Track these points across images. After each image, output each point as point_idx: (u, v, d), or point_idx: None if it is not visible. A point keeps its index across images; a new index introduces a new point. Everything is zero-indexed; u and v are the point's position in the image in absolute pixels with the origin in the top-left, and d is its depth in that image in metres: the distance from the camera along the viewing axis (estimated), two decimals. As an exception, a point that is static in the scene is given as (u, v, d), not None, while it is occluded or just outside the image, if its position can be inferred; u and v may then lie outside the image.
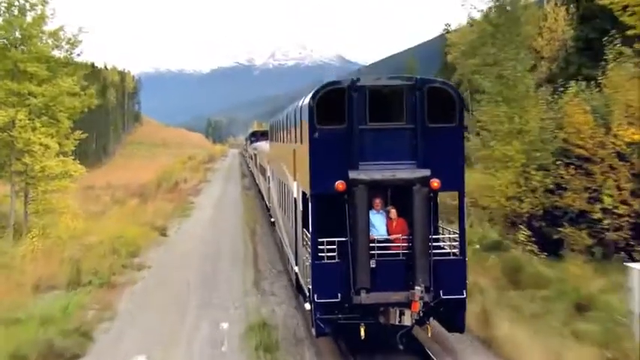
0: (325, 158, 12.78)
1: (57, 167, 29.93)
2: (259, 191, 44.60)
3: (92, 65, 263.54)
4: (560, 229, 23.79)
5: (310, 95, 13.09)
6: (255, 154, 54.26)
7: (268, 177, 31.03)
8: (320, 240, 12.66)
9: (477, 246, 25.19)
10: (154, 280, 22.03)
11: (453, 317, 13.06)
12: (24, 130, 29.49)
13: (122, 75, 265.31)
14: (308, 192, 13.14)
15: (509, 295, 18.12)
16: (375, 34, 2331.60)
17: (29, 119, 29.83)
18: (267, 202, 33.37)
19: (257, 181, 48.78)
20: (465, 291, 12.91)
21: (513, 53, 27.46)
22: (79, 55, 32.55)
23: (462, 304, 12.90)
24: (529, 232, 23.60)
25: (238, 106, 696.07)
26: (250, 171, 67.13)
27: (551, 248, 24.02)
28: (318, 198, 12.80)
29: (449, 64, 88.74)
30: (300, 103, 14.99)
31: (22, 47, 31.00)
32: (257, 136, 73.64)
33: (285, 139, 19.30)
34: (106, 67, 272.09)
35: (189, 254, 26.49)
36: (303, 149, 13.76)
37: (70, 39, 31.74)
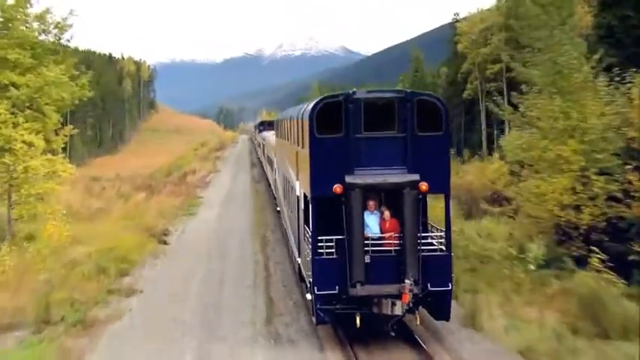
0: (324, 164, 13.07)
1: (42, 167, 24.63)
2: (267, 180, 41.42)
3: (109, 56, 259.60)
4: (635, 247, 18.37)
5: (311, 107, 13.42)
6: (263, 144, 52.48)
7: (275, 169, 30.36)
8: (319, 238, 12.99)
9: (532, 266, 19.81)
10: (142, 314, 16.71)
11: (440, 307, 13.40)
12: (5, 125, 24.16)
13: (138, 65, 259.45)
14: (308, 194, 13.43)
15: (604, 351, 12.80)
16: (377, 25, 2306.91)
17: (11, 113, 24.54)
18: (274, 192, 32.91)
19: (265, 170, 46.89)
20: (450, 283, 13.20)
21: (567, 37, 21.99)
22: (68, 40, 27.11)
23: (447, 295, 13.24)
24: (604, 255, 18.08)
25: (248, 94, 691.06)
26: (259, 159, 63.81)
27: (619, 268, 18.72)
28: (318, 200, 13.14)
29: (458, 53, 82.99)
30: (302, 111, 15.24)
31: (5, 32, 25.68)
32: (265, 125, 72.41)
33: (289, 139, 19.14)
34: (123, 57, 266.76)
35: (190, 272, 21.08)
36: (305, 154, 14.06)
37: (58, 23, 26.35)
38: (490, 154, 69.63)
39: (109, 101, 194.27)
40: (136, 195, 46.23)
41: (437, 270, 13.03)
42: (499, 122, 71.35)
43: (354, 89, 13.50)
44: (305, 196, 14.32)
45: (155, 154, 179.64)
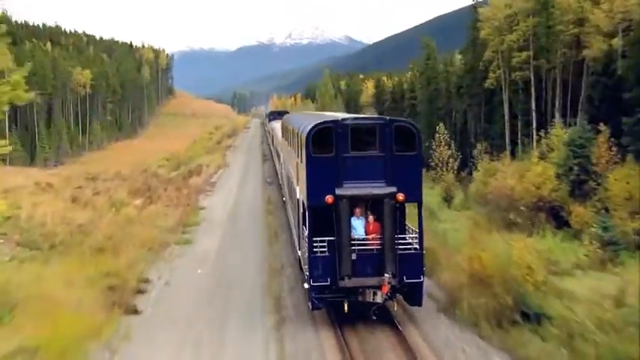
0: (318, 178, 13.98)
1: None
2: (279, 178, 35.56)
3: (130, 44, 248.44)
4: None
5: (307, 131, 14.26)
6: (273, 135, 49.80)
7: (282, 163, 29.65)
8: (314, 239, 13.95)
9: None
10: None
11: (413, 295, 14.27)
12: None
13: (156, 52, 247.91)
14: (305, 203, 14.49)
15: None
16: (379, 15, 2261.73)
17: None
18: (280, 181, 32.35)
19: (274, 162, 44.24)
20: (422, 276, 14.09)
21: None
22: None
23: (419, 286, 14.15)
24: None
25: (260, 79, 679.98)
26: (269, 148, 58.09)
27: None
28: (313, 209, 14.08)
29: (477, 39, 71.78)
30: (301, 130, 15.51)
31: None
32: (275, 115, 72.00)
33: (292, 146, 19.10)
34: (143, 45, 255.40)
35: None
36: (302, 168, 14.79)
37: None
38: (514, 147, 58.79)
39: (128, 88, 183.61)
40: (131, 202, 36.40)
41: (411, 265, 13.88)
42: (524, 113, 60.79)
43: (343, 117, 14.63)
44: (303, 203, 15.10)
45: (171, 139, 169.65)
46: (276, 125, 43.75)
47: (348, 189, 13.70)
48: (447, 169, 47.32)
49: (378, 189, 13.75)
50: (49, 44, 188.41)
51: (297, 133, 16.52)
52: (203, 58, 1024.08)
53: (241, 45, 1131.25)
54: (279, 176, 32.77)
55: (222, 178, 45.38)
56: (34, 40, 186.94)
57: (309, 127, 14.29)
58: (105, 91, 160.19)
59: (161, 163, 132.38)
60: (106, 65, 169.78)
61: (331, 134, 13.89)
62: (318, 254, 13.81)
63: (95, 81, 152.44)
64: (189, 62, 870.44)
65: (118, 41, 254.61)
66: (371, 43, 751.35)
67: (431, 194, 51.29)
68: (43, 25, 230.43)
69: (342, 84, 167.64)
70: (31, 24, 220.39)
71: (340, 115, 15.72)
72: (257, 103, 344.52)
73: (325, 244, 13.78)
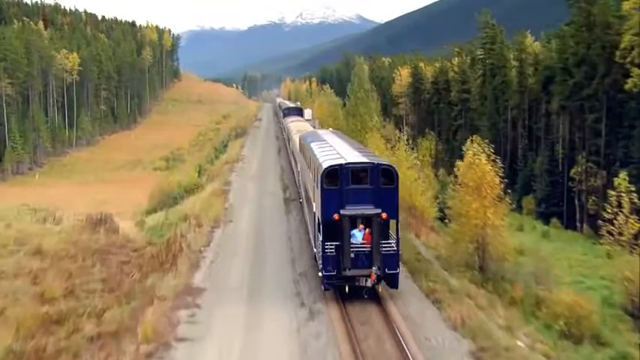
0: (328, 203, 18.77)
1: None
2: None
3: (132, 24, 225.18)
4: None
5: (321, 170, 19.14)
6: (289, 137, 49.75)
7: (299, 172, 32.77)
8: (326, 243, 18.70)
9: None
10: None
11: (392, 281, 19.05)
12: None
13: (160, 32, 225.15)
14: (320, 219, 19.17)
15: None
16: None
17: None
18: (297, 182, 36.07)
19: (292, 166, 43.65)
20: (398, 268, 19.00)
21: None
22: None
23: (396, 275, 18.96)
24: None
25: (271, 59, 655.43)
26: (291, 166, 46.67)
27: None
28: (325, 223, 18.83)
29: (591, 16, 49.51)
30: (317, 165, 20.56)
31: None
32: (291, 110, 79.45)
33: (311, 170, 23.50)
34: (147, 24, 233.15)
35: None
36: (318, 194, 19.55)
37: None
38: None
39: (126, 72, 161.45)
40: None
41: (390, 261, 18.68)
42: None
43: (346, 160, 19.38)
44: (318, 218, 19.56)
45: (174, 129, 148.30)
46: (292, 125, 48.15)
47: (349, 210, 18.48)
48: (630, 248, 25.45)
49: (369, 210, 18.48)
50: (41, 24, 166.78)
51: (315, 165, 21.43)
52: (213, 37, 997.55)
53: (252, 24, 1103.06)
54: (297, 181, 35.68)
55: (215, 276, 23.63)
56: (24, 18, 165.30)
57: (323, 166, 19.22)
58: (97, 77, 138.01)
59: (157, 164, 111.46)
60: (99, 47, 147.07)
61: (337, 173, 18.84)
62: (328, 253, 18.66)
63: (85, 66, 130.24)
64: (199, 42, 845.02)
65: (120, 21, 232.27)
66: (383, 22, 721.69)
67: (593, 287, 29.60)
68: (41, 2, 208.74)
69: (365, 68, 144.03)
70: (24, 2, 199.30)
71: (345, 156, 20.12)
72: (268, 86, 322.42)
73: (333, 247, 18.62)
